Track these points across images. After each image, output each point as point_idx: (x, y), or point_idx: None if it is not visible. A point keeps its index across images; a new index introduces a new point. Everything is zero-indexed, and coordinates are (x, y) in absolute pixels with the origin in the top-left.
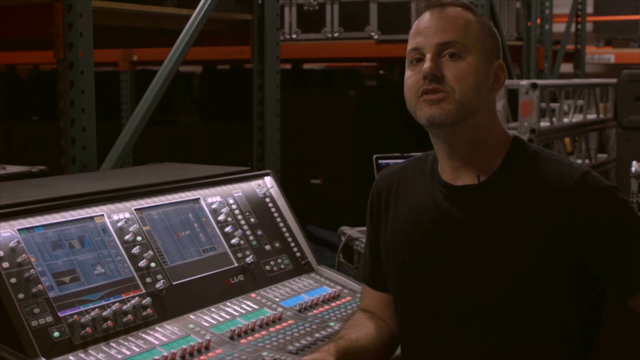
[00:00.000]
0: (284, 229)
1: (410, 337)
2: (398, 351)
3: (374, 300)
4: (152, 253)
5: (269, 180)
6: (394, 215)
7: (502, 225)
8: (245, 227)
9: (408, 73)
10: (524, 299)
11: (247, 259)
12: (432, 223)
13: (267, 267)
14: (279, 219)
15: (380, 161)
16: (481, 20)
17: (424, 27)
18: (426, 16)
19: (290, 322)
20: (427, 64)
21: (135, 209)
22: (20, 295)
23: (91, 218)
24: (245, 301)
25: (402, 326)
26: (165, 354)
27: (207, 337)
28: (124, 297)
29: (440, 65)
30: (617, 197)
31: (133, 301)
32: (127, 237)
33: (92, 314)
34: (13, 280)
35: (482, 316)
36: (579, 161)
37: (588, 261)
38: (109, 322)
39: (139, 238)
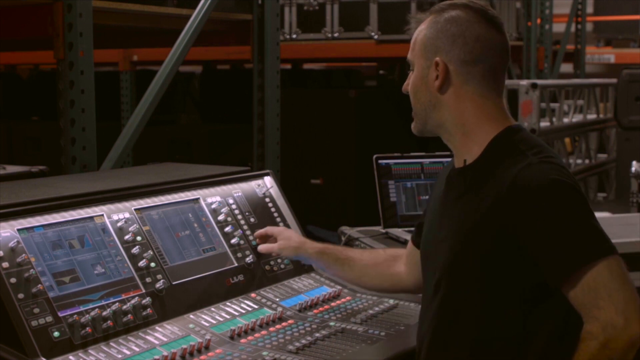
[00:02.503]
0: None
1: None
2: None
3: (409, 247)
4: (152, 253)
5: (268, 180)
6: (434, 194)
7: (467, 209)
8: (245, 227)
9: None
10: (473, 283)
11: (247, 258)
12: (434, 202)
13: (267, 267)
14: (278, 219)
15: (380, 161)
16: (434, 20)
17: None
18: None
19: (290, 321)
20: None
21: (135, 209)
22: (20, 295)
23: (91, 218)
24: (245, 301)
25: None
26: (165, 353)
27: (207, 337)
28: (123, 297)
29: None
30: (554, 189)
31: (133, 301)
32: (127, 237)
33: (92, 313)
34: (13, 280)
35: (436, 300)
36: (579, 161)
37: (528, 251)
38: (109, 322)
39: (138, 238)
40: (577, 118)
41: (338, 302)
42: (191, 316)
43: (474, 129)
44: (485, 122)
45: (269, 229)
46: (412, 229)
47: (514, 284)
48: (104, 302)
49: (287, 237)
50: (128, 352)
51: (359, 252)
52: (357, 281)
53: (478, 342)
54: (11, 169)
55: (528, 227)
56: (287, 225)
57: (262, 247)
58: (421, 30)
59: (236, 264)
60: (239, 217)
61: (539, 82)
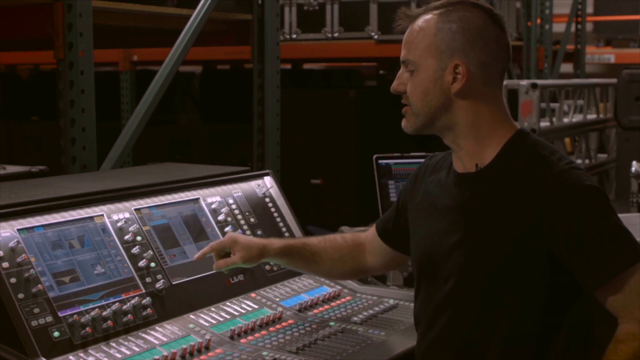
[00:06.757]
0: (284, 229)
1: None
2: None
3: (373, 235)
4: (152, 253)
5: (268, 180)
6: (422, 194)
7: (486, 213)
8: (245, 227)
9: None
10: (496, 287)
11: None
12: (438, 205)
13: (267, 267)
14: (278, 219)
15: (380, 161)
16: (444, 20)
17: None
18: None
19: (290, 321)
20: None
21: (135, 209)
22: (20, 295)
23: (91, 218)
24: (245, 301)
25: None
26: (165, 353)
27: (207, 337)
28: (123, 297)
29: (407, 79)
30: (590, 196)
31: (133, 301)
32: (126, 237)
33: (92, 313)
34: (13, 280)
35: (452, 304)
36: (579, 161)
37: (558, 254)
38: (109, 322)
39: (138, 238)
40: (577, 118)
41: (338, 302)
42: (191, 316)
43: (488, 132)
44: (499, 125)
45: (214, 245)
46: None
47: (540, 286)
48: (104, 302)
49: (245, 246)
50: (128, 352)
51: (321, 245)
52: (324, 275)
53: (507, 340)
54: (11, 169)
55: (564, 232)
56: (286, 225)
57: (220, 263)
58: (426, 28)
59: None
60: (239, 217)
61: (539, 82)
